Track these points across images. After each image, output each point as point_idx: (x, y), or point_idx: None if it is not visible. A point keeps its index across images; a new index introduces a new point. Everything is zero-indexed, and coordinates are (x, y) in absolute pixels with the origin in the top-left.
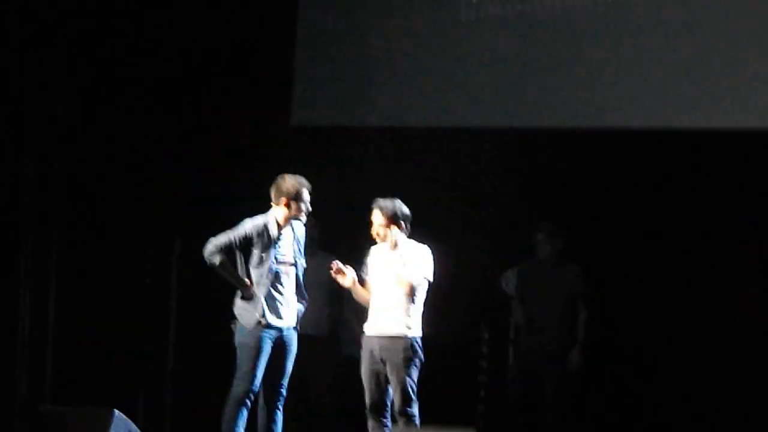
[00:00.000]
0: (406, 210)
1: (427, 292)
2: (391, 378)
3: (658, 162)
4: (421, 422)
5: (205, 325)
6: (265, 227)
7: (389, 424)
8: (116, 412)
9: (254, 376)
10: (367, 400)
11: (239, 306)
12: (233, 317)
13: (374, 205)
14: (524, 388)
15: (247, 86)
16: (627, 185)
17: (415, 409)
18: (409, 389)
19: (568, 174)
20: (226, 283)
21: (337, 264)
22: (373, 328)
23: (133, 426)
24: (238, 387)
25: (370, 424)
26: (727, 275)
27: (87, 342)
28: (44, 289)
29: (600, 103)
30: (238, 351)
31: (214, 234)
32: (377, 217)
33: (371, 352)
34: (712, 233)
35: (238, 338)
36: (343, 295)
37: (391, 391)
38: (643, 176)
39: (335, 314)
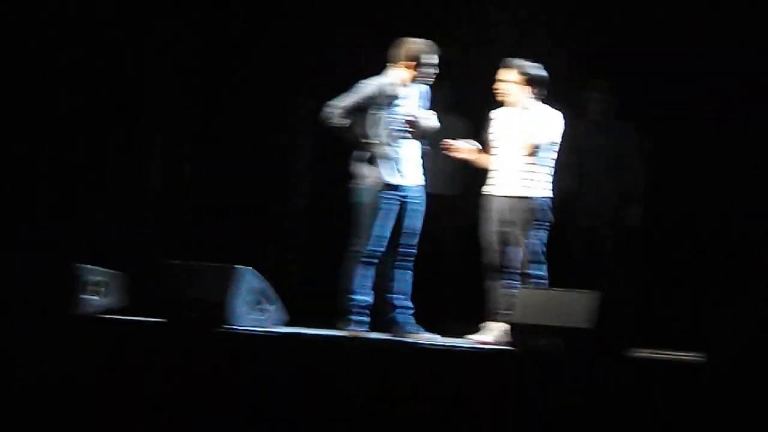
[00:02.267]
0: (542, 73)
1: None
2: (519, 238)
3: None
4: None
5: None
6: (388, 87)
7: (512, 283)
8: (248, 268)
9: (377, 236)
10: (488, 260)
11: (360, 166)
12: (353, 177)
13: (508, 64)
14: (585, 243)
15: None
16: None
17: (543, 271)
18: (538, 250)
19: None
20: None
21: (447, 143)
22: (499, 188)
23: (265, 282)
24: (358, 246)
25: (488, 284)
26: None
27: (218, 199)
28: (179, 142)
29: None
30: (358, 211)
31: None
32: (511, 76)
33: (497, 212)
34: None
35: (360, 199)
36: None
37: (513, 252)
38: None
39: (467, 175)
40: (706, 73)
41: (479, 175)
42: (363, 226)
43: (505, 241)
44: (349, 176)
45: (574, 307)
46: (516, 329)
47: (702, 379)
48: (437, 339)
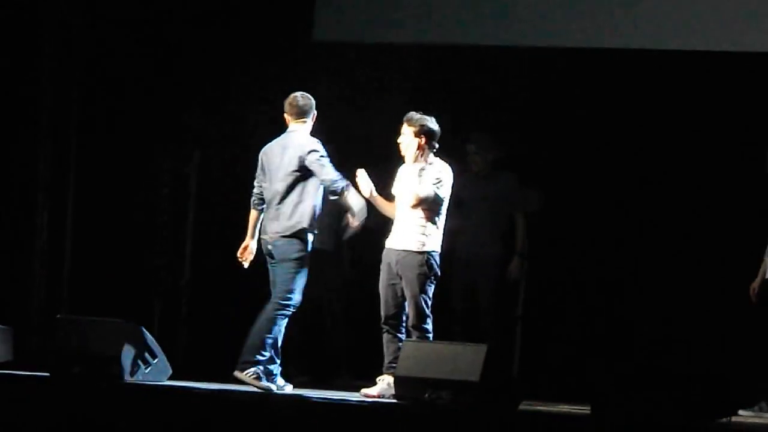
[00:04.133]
0: (433, 126)
1: (447, 209)
2: (406, 292)
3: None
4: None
5: (221, 237)
6: None
7: (403, 337)
8: (132, 322)
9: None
10: (382, 312)
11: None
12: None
13: (408, 119)
14: (464, 297)
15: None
16: (571, 99)
17: (428, 325)
18: (423, 304)
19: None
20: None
21: (360, 172)
22: (390, 241)
23: (149, 336)
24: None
25: (385, 336)
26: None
27: (104, 252)
28: (62, 199)
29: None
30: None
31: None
32: (404, 130)
33: (389, 264)
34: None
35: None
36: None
37: (406, 305)
38: (584, 90)
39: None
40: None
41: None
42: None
43: (396, 294)
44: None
45: (460, 359)
46: (401, 382)
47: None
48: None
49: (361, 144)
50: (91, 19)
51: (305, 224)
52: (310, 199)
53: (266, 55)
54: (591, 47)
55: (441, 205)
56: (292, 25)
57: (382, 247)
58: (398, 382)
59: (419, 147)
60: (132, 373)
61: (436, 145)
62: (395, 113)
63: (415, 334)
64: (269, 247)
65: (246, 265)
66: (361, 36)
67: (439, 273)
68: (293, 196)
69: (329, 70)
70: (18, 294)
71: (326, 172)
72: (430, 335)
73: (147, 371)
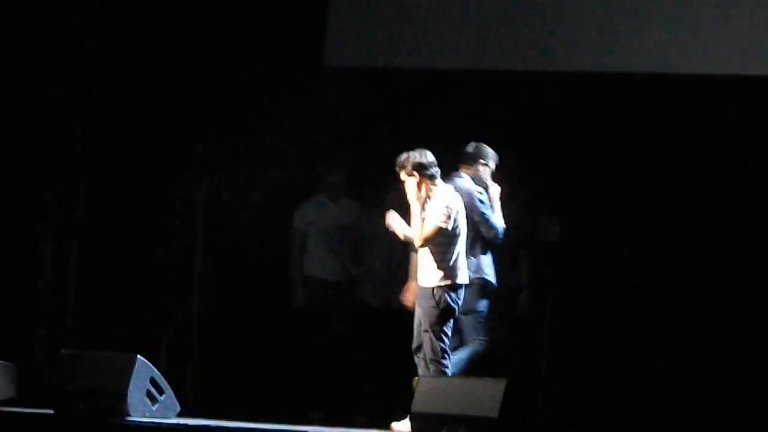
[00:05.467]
0: (420, 159)
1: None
2: (423, 326)
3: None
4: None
5: (231, 271)
6: None
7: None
8: (138, 357)
9: None
10: (414, 343)
11: None
12: None
13: (397, 164)
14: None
15: (280, 26)
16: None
17: (446, 360)
18: (434, 339)
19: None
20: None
21: (390, 215)
22: (415, 277)
23: (156, 371)
24: None
25: (420, 363)
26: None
27: (111, 285)
28: (68, 231)
29: None
30: None
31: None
32: (404, 174)
33: (415, 300)
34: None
35: None
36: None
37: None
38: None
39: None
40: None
41: None
42: None
43: (420, 326)
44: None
45: (478, 394)
46: (418, 418)
47: None
48: None
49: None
50: (104, 48)
51: None
52: None
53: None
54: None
55: (450, 236)
56: (301, 51)
57: None
58: (414, 417)
59: (418, 184)
60: (138, 410)
61: (435, 172)
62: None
63: (432, 367)
64: None
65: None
66: (372, 61)
67: (453, 307)
68: None
69: (340, 96)
70: (22, 329)
71: None
72: (448, 370)
73: (154, 408)
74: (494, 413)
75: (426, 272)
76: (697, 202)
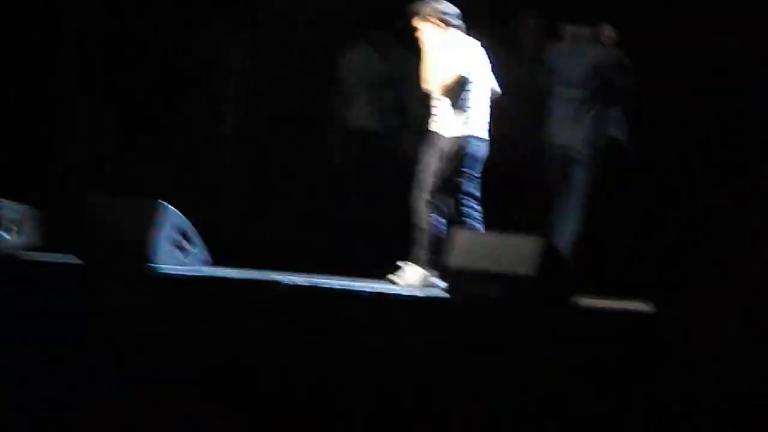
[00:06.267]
0: (439, 6)
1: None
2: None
3: None
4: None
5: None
6: None
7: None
8: (167, 204)
9: None
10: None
11: None
12: None
13: (413, 10)
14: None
15: None
16: None
17: (475, 210)
18: (464, 189)
19: None
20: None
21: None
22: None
23: (186, 220)
24: None
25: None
26: None
27: (146, 133)
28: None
29: None
30: None
31: None
32: (417, 20)
33: (431, 149)
34: None
35: None
36: None
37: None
38: None
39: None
40: None
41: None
42: None
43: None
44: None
45: (515, 252)
46: (452, 275)
47: (648, 330)
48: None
49: None
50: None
51: None
52: None
53: None
54: None
55: (468, 85)
56: None
57: None
58: (449, 273)
59: (434, 28)
60: (167, 260)
61: (457, 23)
62: None
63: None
64: None
65: None
66: None
67: (479, 156)
68: None
69: None
70: (49, 175)
71: None
72: (475, 221)
73: (185, 258)
74: (532, 271)
75: (449, 121)
76: None
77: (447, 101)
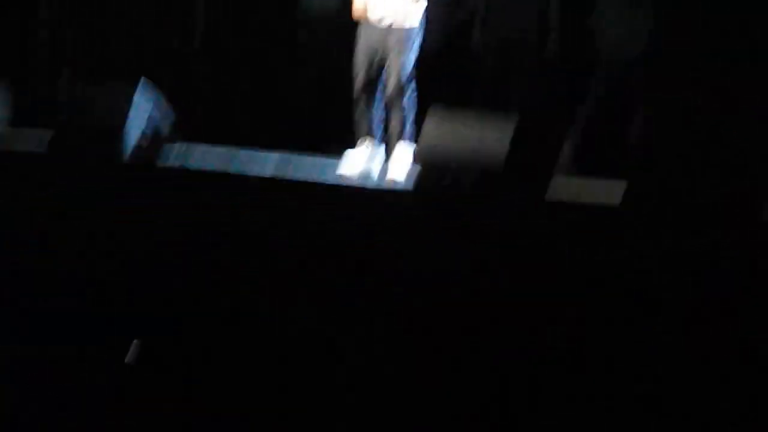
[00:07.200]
0: None
1: None
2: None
3: None
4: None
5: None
6: None
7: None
8: (143, 79)
9: None
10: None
11: None
12: None
13: None
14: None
15: None
16: None
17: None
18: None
19: None
20: None
21: None
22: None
23: (158, 96)
24: None
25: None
26: None
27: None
28: None
29: None
30: None
31: None
32: None
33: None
34: None
35: None
36: None
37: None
38: None
39: None
40: None
41: None
42: None
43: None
44: None
45: (486, 137)
46: (424, 166)
47: (618, 222)
48: None
49: None
50: None
51: None
52: None
53: None
54: None
55: None
56: None
57: None
58: (421, 165)
59: None
60: (138, 139)
61: None
62: None
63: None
64: None
65: None
66: None
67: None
68: None
69: None
70: (21, 48)
71: None
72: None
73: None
74: (500, 167)
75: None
76: None
77: None
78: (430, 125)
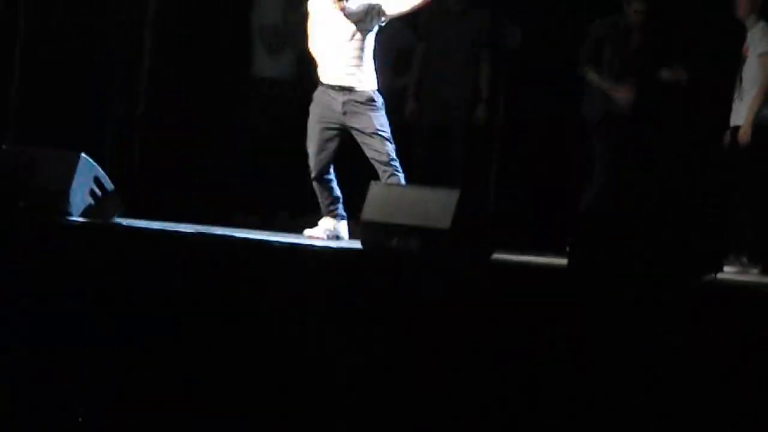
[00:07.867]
0: None
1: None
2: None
3: None
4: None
5: (181, 68)
6: None
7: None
8: (83, 154)
9: None
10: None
11: None
12: None
13: None
14: (432, 142)
15: None
16: None
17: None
18: (385, 142)
19: None
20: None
21: None
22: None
23: (100, 170)
24: None
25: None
26: None
27: (55, 80)
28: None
29: None
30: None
31: None
32: None
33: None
34: None
35: None
36: None
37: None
38: None
39: None
40: None
41: None
42: None
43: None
44: None
45: (431, 205)
46: (367, 227)
47: (564, 284)
48: None
49: None
50: None
51: None
52: None
53: None
54: None
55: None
56: None
57: None
58: (365, 226)
59: None
60: (81, 210)
61: None
62: None
63: (387, 172)
64: None
65: None
66: None
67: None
68: None
69: None
70: None
71: None
72: (401, 175)
73: (97, 207)
74: (446, 224)
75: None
76: None
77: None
78: (376, 189)
